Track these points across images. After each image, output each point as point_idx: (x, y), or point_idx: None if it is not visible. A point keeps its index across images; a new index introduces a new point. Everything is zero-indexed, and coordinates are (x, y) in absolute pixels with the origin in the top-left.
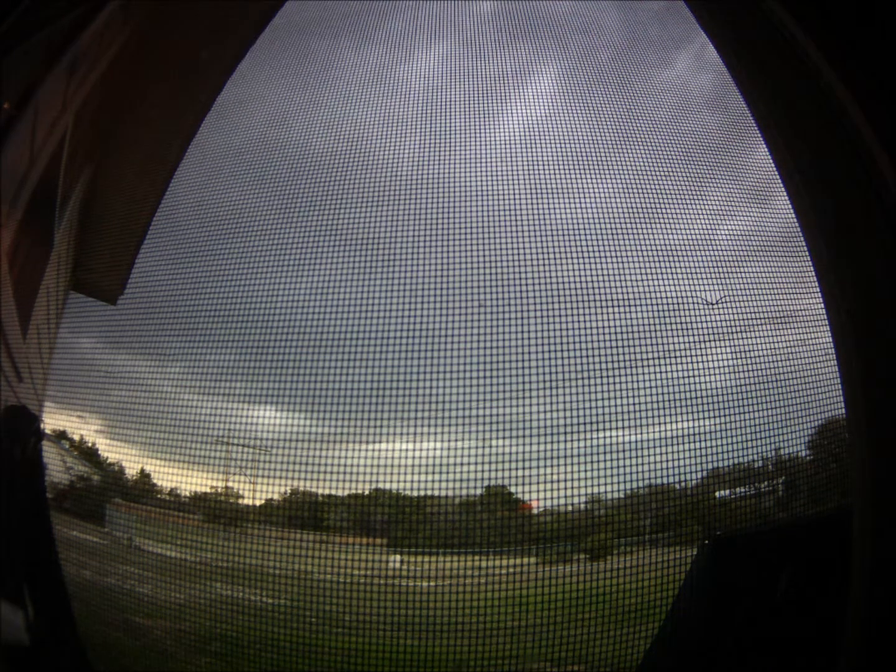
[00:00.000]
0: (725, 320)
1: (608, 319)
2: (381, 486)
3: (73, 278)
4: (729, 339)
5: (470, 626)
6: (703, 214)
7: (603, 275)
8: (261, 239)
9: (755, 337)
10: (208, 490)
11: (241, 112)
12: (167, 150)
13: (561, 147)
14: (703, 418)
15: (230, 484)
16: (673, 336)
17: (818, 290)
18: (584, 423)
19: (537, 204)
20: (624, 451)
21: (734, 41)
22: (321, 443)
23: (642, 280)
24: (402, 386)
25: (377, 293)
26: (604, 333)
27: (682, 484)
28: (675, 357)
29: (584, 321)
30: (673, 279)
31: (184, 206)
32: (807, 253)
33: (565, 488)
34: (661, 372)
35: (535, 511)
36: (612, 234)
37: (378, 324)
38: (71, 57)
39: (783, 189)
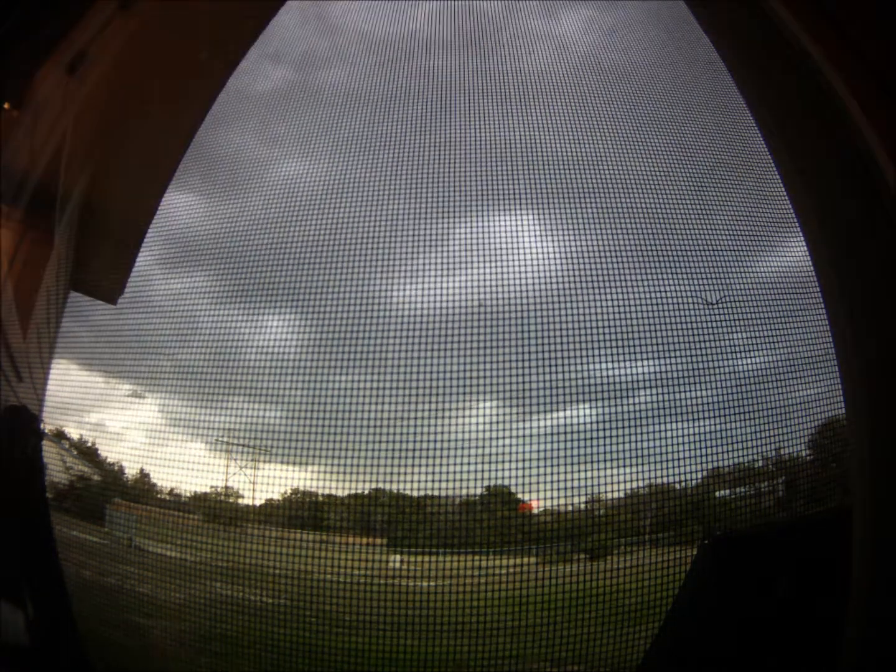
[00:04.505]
0: (725, 320)
1: (609, 320)
2: (381, 485)
3: (73, 278)
4: (729, 339)
5: (470, 626)
6: (702, 215)
7: (605, 275)
8: (261, 237)
9: (755, 337)
10: (208, 490)
11: (240, 112)
12: (167, 150)
13: (560, 149)
14: (704, 418)
15: (230, 484)
16: (673, 335)
17: (818, 290)
18: (584, 423)
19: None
20: (624, 450)
21: (734, 41)
22: (320, 443)
23: (643, 281)
24: (400, 385)
25: (380, 290)
26: (604, 333)
27: (682, 484)
28: (676, 357)
29: (585, 321)
30: (673, 280)
31: (184, 206)
32: (807, 253)
33: (565, 488)
34: (661, 372)
35: (535, 511)
36: (613, 234)
37: (376, 323)
38: (71, 57)
39: (783, 190)
